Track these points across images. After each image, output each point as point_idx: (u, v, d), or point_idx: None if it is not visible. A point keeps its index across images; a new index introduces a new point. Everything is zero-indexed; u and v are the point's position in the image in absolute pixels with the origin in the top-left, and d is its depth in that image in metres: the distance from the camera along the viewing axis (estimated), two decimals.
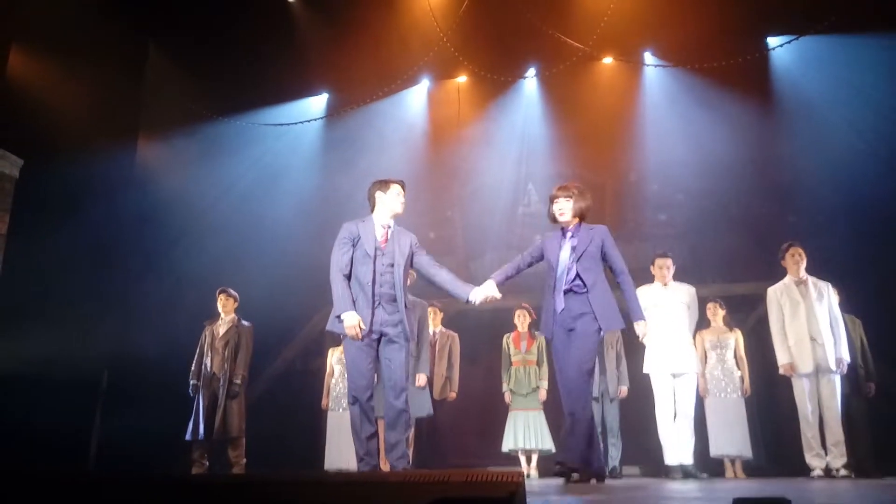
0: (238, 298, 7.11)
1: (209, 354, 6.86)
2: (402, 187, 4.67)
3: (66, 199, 7.44)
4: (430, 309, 7.51)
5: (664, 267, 6.34)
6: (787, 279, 6.14)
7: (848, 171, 7.83)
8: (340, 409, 7.20)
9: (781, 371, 6.04)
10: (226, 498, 2.18)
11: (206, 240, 8.62)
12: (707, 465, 6.41)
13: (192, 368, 6.90)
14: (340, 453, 7.17)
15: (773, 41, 8.73)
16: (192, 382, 6.87)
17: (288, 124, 9.69)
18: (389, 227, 4.59)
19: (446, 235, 10.16)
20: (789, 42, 8.23)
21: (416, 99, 10.36)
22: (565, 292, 4.58)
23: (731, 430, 6.48)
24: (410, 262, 4.62)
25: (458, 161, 10.07)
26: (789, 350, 5.96)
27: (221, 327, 6.96)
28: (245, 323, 7.06)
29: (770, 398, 7.60)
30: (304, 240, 8.92)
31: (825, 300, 5.99)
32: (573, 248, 4.64)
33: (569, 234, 4.73)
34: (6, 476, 2.39)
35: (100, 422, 7.69)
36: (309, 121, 9.90)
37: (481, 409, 8.25)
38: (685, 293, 6.34)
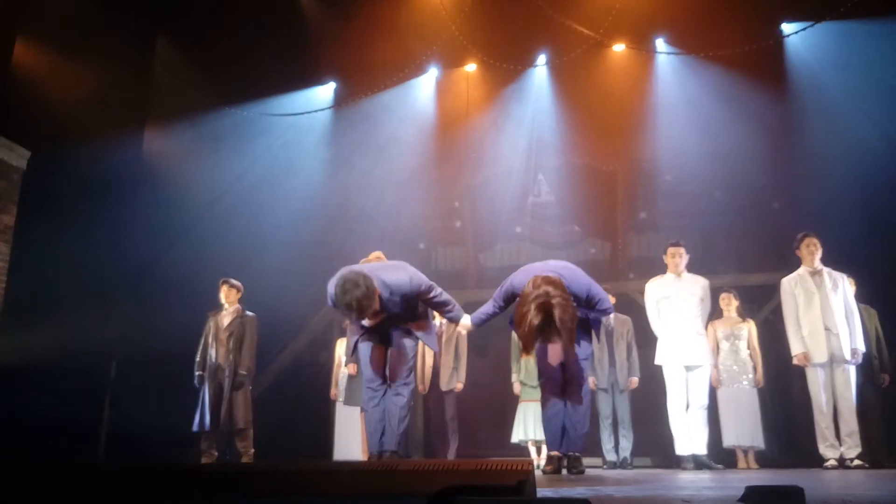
0: (241, 289, 7.07)
1: (213, 345, 6.83)
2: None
3: (74, 190, 7.45)
4: None
5: (677, 255, 6.24)
6: (802, 269, 6.06)
7: (864, 161, 7.76)
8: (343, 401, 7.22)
9: (795, 361, 5.98)
10: (235, 487, 2.19)
11: (214, 231, 8.64)
12: (720, 456, 6.38)
13: (197, 359, 6.88)
14: (349, 444, 7.20)
15: (787, 28, 8.67)
16: (197, 374, 6.86)
17: (296, 114, 9.68)
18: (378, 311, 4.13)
19: (455, 226, 10.16)
20: (804, 29, 8.15)
21: (424, 88, 10.34)
22: None
23: (744, 421, 6.45)
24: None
25: (467, 150, 10.05)
26: (803, 340, 5.90)
27: (225, 318, 6.92)
28: (249, 314, 7.03)
29: (783, 389, 7.57)
30: (312, 230, 8.94)
31: (840, 290, 5.91)
32: None
33: None
34: (16, 467, 2.40)
35: (109, 412, 7.73)
36: (317, 110, 9.90)
37: (490, 400, 8.25)
38: (699, 286, 6.24)
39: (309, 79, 10.15)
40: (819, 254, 6.01)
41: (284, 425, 8.40)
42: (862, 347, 5.83)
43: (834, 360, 5.81)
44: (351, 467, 2.51)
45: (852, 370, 5.82)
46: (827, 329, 5.81)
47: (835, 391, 5.80)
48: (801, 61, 8.76)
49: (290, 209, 9.18)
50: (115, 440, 7.65)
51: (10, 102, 7.08)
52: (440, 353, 7.44)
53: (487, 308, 4.55)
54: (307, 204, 9.21)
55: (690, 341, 6.07)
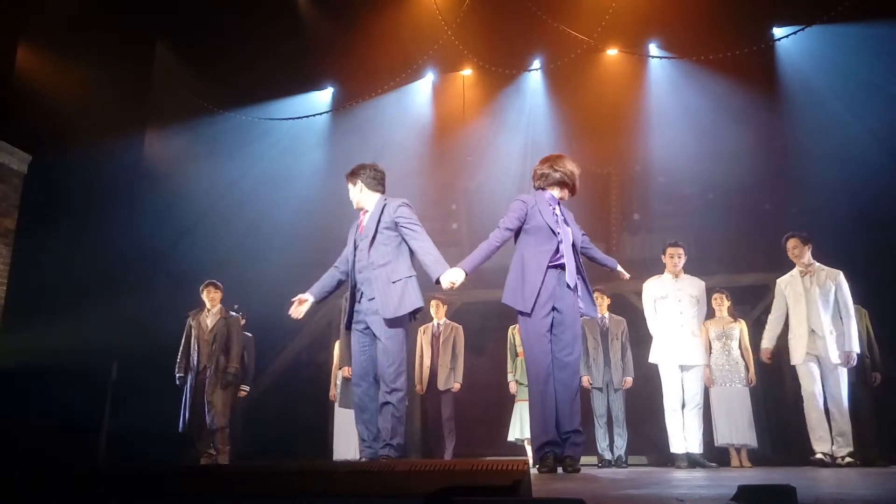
0: (223, 289, 7.10)
1: (196, 347, 6.84)
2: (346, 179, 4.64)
3: (74, 195, 7.48)
4: (433, 301, 7.58)
5: (675, 255, 6.22)
6: (795, 270, 6.03)
7: (854, 162, 7.81)
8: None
9: (761, 355, 6.10)
10: (234, 487, 2.20)
11: (213, 233, 8.67)
12: (713, 455, 6.43)
13: (178, 361, 6.89)
14: (348, 444, 7.22)
15: (778, 32, 8.70)
16: (178, 375, 6.87)
17: (293, 119, 9.72)
18: (367, 211, 4.49)
19: (451, 228, 10.20)
20: (795, 32, 8.19)
21: (421, 92, 10.39)
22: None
23: (737, 420, 6.50)
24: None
25: (463, 154, 10.09)
26: (774, 340, 6.02)
27: (208, 319, 6.93)
28: (233, 314, 7.07)
29: (775, 388, 7.62)
30: (310, 232, 8.97)
31: (832, 291, 5.82)
32: (566, 222, 4.45)
33: (559, 208, 4.49)
34: (17, 468, 2.42)
35: (109, 413, 7.76)
36: (314, 115, 9.93)
37: (486, 399, 8.29)
38: (696, 287, 6.23)
39: (307, 83, 10.19)
40: (807, 253, 5.96)
41: (283, 425, 8.43)
42: (856, 349, 5.71)
43: (820, 362, 5.76)
44: (349, 468, 2.53)
45: (843, 372, 5.72)
46: (812, 332, 5.76)
47: (826, 393, 5.76)
48: (792, 65, 8.82)
49: (289, 211, 9.22)
50: (115, 440, 7.67)
51: (11, 107, 7.11)
52: (437, 353, 7.50)
53: (491, 241, 4.38)
54: (305, 206, 9.25)
55: (686, 341, 6.09)
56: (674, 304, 6.15)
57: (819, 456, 5.64)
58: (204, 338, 6.83)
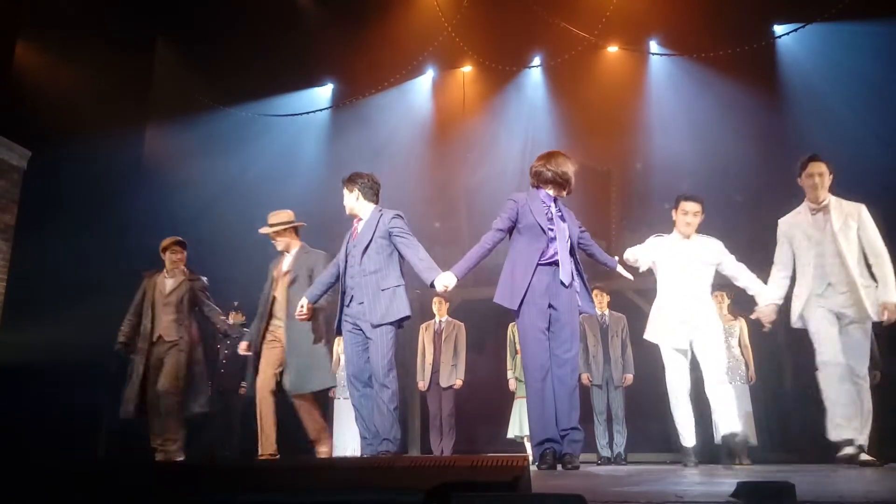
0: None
1: (150, 314, 5.64)
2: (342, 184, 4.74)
3: (74, 190, 7.48)
4: (435, 299, 7.59)
5: (690, 213, 4.96)
6: (804, 206, 4.73)
7: (855, 160, 7.79)
8: (345, 398, 7.24)
9: (755, 313, 4.88)
10: (233, 483, 2.20)
11: (213, 230, 8.66)
12: (713, 453, 6.43)
13: (123, 328, 5.70)
14: (347, 440, 7.24)
15: (779, 29, 8.72)
16: (119, 342, 5.68)
17: (293, 115, 9.71)
18: (360, 219, 4.62)
19: (452, 225, 10.19)
20: (796, 30, 8.20)
21: (421, 89, 10.40)
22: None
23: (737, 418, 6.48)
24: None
25: (463, 151, 10.10)
26: (779, 299, 4.73)
27: (167, 281, 5.77)
28: (202, 278, 6.02)
29: (775, 385, 7.62)
30: (310, 229, 8.95)
31: (853, 230, 4.51)
32: (563, 219, 4.36)
33: (555, 206, 4.37)
34: (17, 465, 2.42)
35: (109, 408, 7.76)
36: (315, 111, 9.92)
37: (486, 396, 8.29)
38: (710, 250, 5.01)
39: (307, 80, 10.20)
40: (826, 184, 4.59)
41: (282, 421, 8.40)
42: (893, 299, 4.38)
43: (841, 319, 4.56)
44: (348, 463, 2.55)
45: (868, 328, 4.53)
46: (830, 285, 4.54)
47: (847, 355, 4.53)
48: (792, 62, 8.83)
49: (289, 208, 9.21)
50: (114, 436, 7.68)
51: (11, 102, 7.11)
52: (439, 350, 7.51)
53: (482, 244, 4.33)
54: (305, 203, 9.23)
55: (695, 319, 4.97)
56: (679, 271, 5.01)
57: (847, 451, 4.47)
58: (162, 302, 5.68)
